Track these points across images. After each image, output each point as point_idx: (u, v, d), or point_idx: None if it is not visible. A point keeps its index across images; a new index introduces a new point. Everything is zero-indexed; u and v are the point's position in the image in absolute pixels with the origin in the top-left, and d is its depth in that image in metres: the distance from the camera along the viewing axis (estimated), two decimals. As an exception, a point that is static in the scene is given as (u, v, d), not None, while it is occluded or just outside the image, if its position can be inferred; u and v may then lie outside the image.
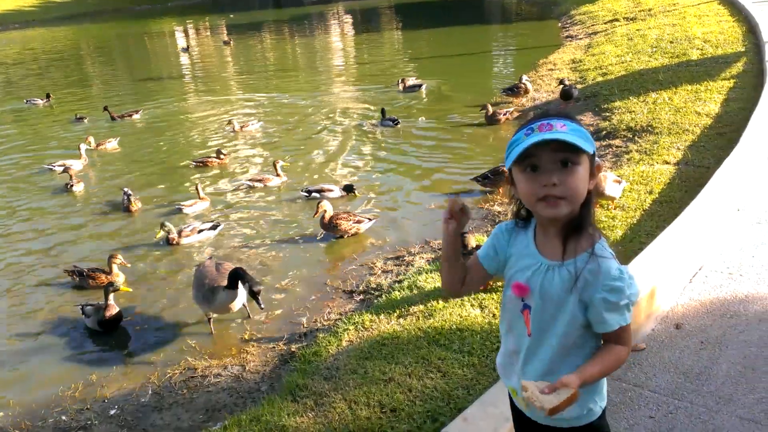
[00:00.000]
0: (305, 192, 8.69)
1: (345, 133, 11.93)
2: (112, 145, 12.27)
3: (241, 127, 12.48)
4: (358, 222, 7.18)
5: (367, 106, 13.85)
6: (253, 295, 5.25)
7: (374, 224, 7.35)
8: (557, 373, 1.93)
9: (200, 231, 7.55)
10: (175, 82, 20.11)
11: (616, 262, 1.89)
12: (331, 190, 8.56)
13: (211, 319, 5.71)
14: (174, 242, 7.42)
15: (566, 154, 1.82)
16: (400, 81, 14.82)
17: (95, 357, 5.52)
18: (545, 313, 1.97)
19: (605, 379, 2.05)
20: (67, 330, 5.99)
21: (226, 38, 26.72)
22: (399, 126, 11.77)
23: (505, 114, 11.08)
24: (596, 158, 1.92)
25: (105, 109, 14.74)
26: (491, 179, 7.93)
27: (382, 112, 12.16)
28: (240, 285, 5.38)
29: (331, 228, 7.18)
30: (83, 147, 11.27)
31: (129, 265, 6.84)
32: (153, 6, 52.59)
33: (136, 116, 14.68)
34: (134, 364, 5.33)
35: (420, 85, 14.58)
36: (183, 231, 7.52)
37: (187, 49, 26.77)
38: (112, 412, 4.70)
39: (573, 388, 1.82)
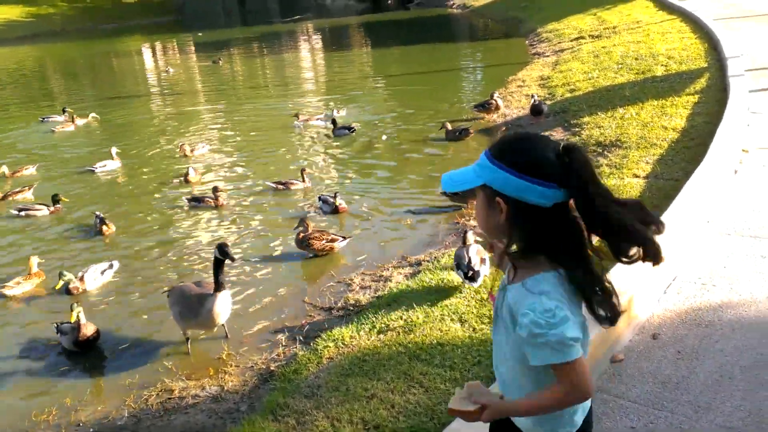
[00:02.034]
0: (272, 183, 9.55)
1: (306, 149, 11.99)
2: (29, 171, 11.70)
3: (192, 150, 12.04)
4: (332, 240, 7.17)
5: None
6: (224, 253, 5.37)
7: (349, 242, 7.34)
8: (510, 394, 2.00)
9: (103, 272, 7.02)
10: (142, 100, 19.89)
11: (545, 299, 1.81)
12: (294, 183, 9.46)
13: (189, 339, 5.65)
14: (75, 291, 6.72)
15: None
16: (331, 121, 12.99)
17: (70, 379, 5.40)
18: (496, 336, 2.04)
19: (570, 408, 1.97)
20: (41, 350, 5.86)
21: (215, 58, 26.33)
22: (354, 134, 12.26)
23: (462, 131, 11.26)
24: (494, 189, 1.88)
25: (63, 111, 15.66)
26: (459, 195, 8.01)
27: (333, 122, 12.55)
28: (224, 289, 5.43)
29: (304, 246, 7.17)
30: None
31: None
32: (119, 25, 52.08)
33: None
34: (110, 387, 5.23)
35: (350, 129, 12.55)
36: (83, 276, 6.84)
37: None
38: (88, 436, 4.61)
39: (474, 409, 1.90)
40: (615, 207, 1.82)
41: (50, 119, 16.07)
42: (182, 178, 10.40)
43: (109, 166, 11.48)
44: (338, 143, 12.17)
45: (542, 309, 1.79)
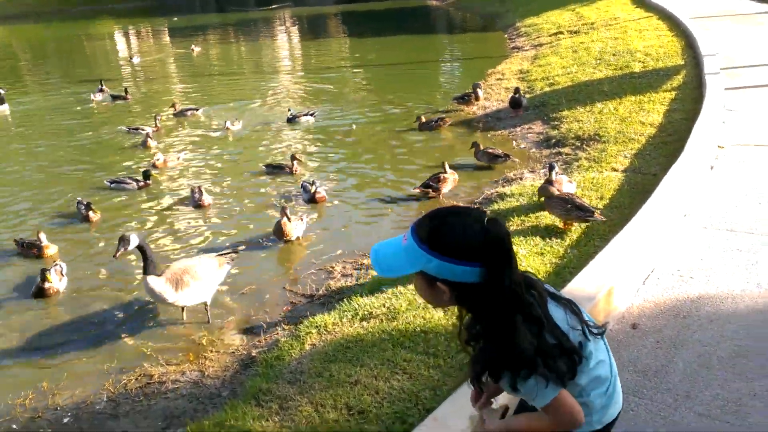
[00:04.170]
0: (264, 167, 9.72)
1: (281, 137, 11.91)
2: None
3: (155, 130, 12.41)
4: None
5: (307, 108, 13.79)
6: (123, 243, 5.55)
7: (321, 228, 7.31)
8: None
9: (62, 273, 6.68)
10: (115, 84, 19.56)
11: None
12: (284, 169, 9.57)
13: (183, 309, 5.84)
14: (50, 293, 6.40)
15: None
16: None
17: (45, 365, 5.31)
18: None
19: (596, 404, 2.14)
20: (14, 336, 5.77)
21: (194, 46, 25.84)
22: (313, 120, 12.50)
23: (436, 122, 11.31)
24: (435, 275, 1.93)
25: None
26: (434, 186, 8.05)
27: (290, 113, 12.66)
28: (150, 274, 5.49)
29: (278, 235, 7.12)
30: None
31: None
32: (93, 7, 50.97)
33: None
34: (87, 372, 5.15)
35: (308, 114, 12.82)
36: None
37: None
38: (66, 420, 4.55)
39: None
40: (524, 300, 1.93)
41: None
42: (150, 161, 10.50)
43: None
44: (311, 133, 12.11)
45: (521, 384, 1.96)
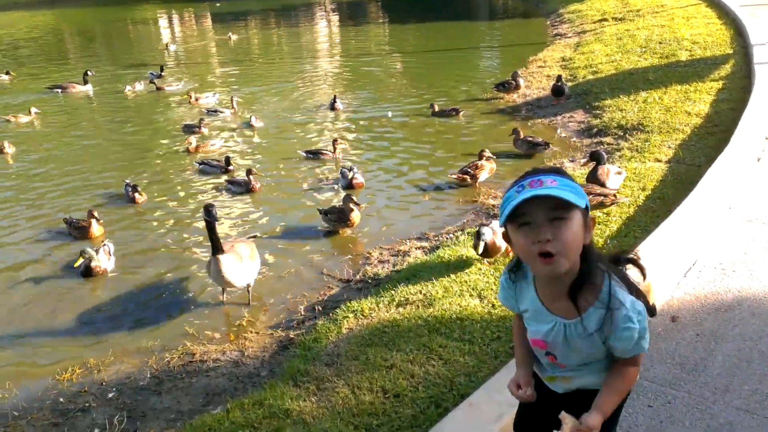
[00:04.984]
0: (303, 152, 9.83)
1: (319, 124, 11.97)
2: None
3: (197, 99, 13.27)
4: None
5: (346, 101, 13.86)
6: (209, 214, 5.58)
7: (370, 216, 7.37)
8: (579, 376, 2.15)
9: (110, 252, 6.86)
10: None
11: (627, 300, 1.95)
12: (325, 154, 9.69)
13: (224, 291, 5.97)
14: (98, 271, 6.57)
15: (558, 209, 1.84)
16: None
17: (91, 341, 5.50)
18: (568, 357, 2.11)
19: None
20: (63, 314, 5.97)
21: (231, 33, 26.11)
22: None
23: (449, 111, 11.50)
24: (589, 211, 1.96)
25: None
26: (471, 174, 8.02)
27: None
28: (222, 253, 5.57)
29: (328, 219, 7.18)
30: None
31: (101, 221, 7.50)
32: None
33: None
34: (132, 349, 5.32)
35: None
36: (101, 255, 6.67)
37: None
38: (111, 395, 4.71)
39: (596, 429, 1.98)
40: None
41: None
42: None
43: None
44: (348, 120, 12.14)
45: (634, 311, 1.95)
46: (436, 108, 11.70)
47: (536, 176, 1.89)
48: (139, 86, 16.23)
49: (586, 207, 1.91)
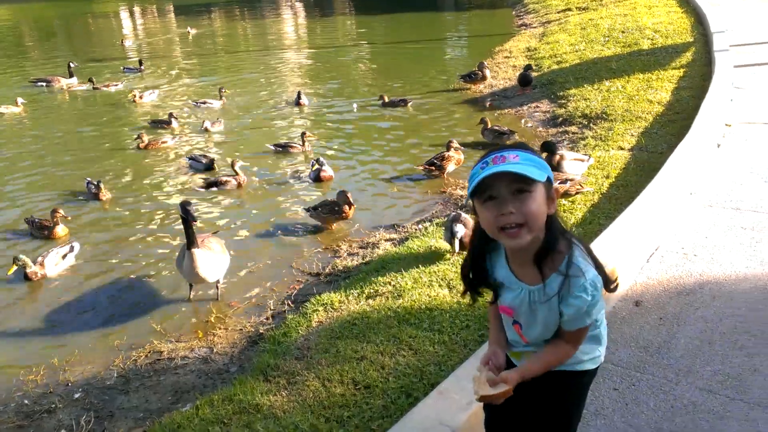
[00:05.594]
0: (272, 146, 9.75)
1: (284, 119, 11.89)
2: None
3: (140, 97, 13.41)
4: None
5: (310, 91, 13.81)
6: (185, 212, 5.50)
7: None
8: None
9: (64, 257, 6.65)
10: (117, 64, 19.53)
11: (589, 272, 2.01)
12: (293, 147, 9.64)
13: (192, 287, 5.91)
14: (34, 277, 6.36)
15: (520, 183, 1.92)
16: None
17: (56, 342, 5.39)
18: (531, 325, 2.16)
19: (605, 337, 2.28)
20: (25, 315, 5.86)
21: (190, 28, 25.71)
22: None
23: (399, 101, 11.74)
24: (553, 183, 2.04)
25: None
26: (438, 165, 8.06)
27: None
28: (196, 247, 5.52)
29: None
30: None
31: (69, 218, 7.39)
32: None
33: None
34: (98, 348, 5.23)
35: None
36: (43, 261, 6.47)
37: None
38: (77, 395, 4.62)
39: (510, 385, 2.05)
40: None
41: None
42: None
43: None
44: (315, 114, 12.12)
45: (590, 284, 2.00)
46: (386, 99, 11.90)
47: (499, 153, 1.98)
48: (73, 81, 15.80)
49: (549, 179, 1.98)
